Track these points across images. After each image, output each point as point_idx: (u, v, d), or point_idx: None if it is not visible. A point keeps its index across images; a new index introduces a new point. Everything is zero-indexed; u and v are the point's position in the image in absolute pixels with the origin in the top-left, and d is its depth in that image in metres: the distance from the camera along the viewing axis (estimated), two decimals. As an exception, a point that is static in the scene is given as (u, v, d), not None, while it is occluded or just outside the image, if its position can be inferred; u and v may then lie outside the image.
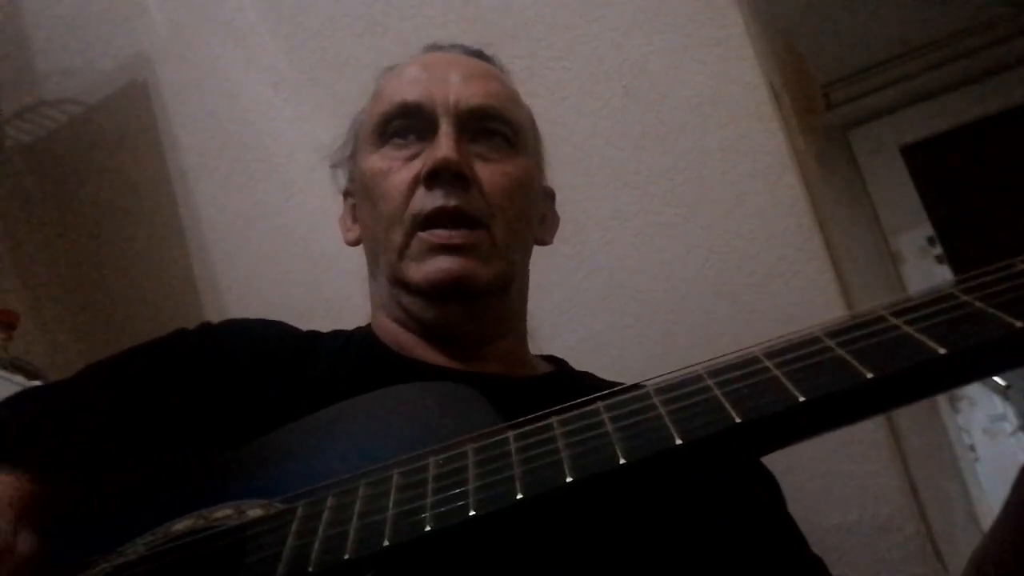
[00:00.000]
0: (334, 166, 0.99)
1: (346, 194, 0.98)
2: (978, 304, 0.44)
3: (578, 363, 0.95)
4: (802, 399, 0.44)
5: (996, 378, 2.38)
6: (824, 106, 2.48)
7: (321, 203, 1.41)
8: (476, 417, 0.59)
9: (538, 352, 0.96)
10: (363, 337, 0.89)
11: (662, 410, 0.47)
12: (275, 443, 0.67)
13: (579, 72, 1.40)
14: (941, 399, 2.37)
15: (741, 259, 1.25)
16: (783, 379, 0.45)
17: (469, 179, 0.83)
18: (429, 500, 0.49)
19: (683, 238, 1.29)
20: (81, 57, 1.79)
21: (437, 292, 0.82)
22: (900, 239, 2.59)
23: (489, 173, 0.85)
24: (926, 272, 2.48)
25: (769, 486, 0.84)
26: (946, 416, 2.43)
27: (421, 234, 0.82)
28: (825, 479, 1.14)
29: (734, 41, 1.31)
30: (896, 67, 2.60)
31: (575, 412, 0.51)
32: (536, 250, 0.95)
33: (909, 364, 0.43)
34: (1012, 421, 2.45)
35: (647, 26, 1.37)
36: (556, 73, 1.41)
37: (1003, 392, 2.45)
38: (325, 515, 0.53)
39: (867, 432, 1.13)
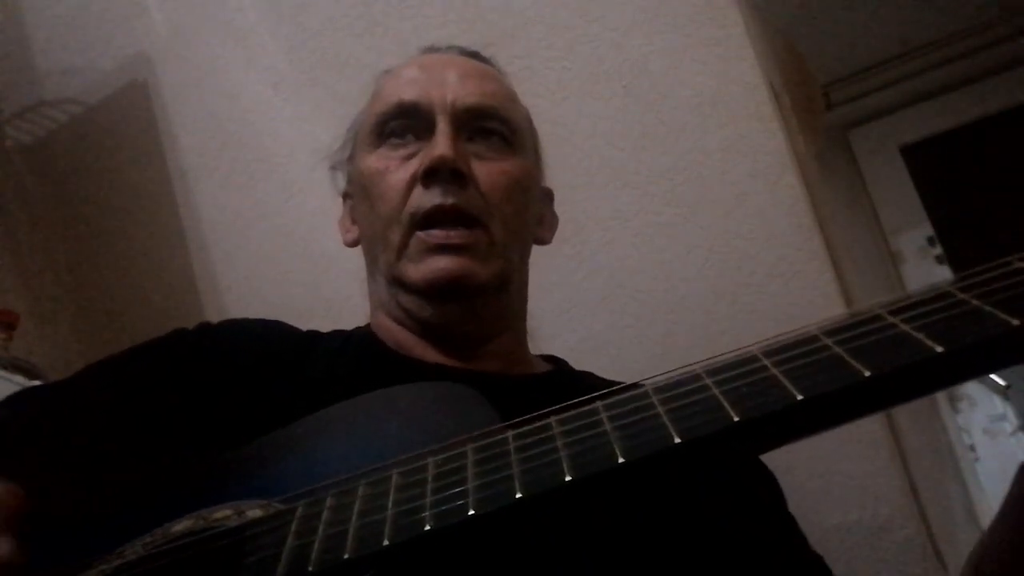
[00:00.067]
0: (333, 168, 0.99)
1: (345, 196, 0.98)
2: (975, 302, 0.44)
3: (578, 363, 0.95)
4: (800, 397, 0.44)
5: (996, 378, 2.38)
6: (824, 106, 2.48)
7: (321, 203, 1.41)
8: (475, 416, 0.59)
9: (538, 352, 0.96)
10: (362, 337, 0.89)
11: (661, 409, 0.47)
12: (274, 443, 0.67)
13: (579, 72, 1.40)
14: (941, 399, 2.38)
15: (741, 259, 1.25)
16: (781, 377, 0.45)
17: (466, 177, 0.83)
18: (428, 500, 0.49)
19: (683, 238, 1.29)
20: (81, 57, 1.79)
21: (435, 291, 0.82)
22: (900, 239, 2.59)
23: (487, 172, 0.85)
24: (926, 272, 2.49)
25: (769, 485, 0.84)
26: (946, 416, 2.43)
27: (419, 234, 0.83)
28: (825, 479, 1.14)
29: (734, 41, 1.31)
30: (896, 67, 2.60)
31: (574, 411, 0.51)
32: (536, 250, 0.95)
33: (907, 362, 0.43)
34: (1012, 421, 2.45)
35: (647, 26, 1.37)
36: (556, 73, 1.41)
37: (1003, 392, 2.45)
38: (324, 515, 0.52)
39: (867, 432, 1.13)
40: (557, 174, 1.02)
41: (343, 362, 0.84)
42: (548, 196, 1.00)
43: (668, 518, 0.70)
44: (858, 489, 1.13)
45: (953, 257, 2.47)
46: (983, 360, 0.43)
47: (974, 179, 2.52)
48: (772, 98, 1.31)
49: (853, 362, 0.44)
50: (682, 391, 0.48)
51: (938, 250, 2.54)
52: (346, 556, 0.48)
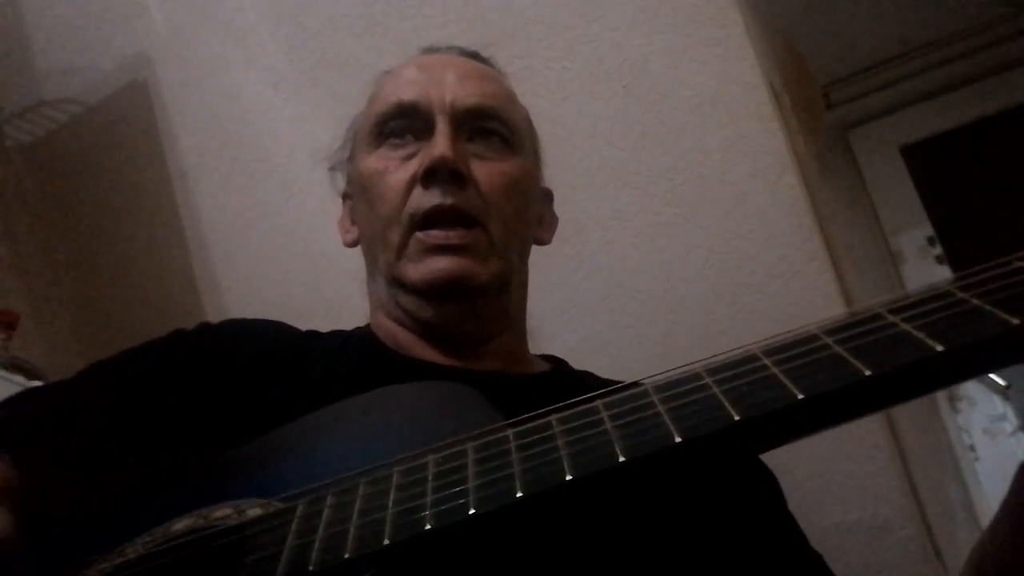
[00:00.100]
0: (332, 168, 0.99)
1: (345, 196, 0.98)
2: (975, 301, 0.44)
3: (578, 363, 0.95)
4: (801, 396, 0.44)
5: (996, 378, 2.39)
6: (824, 106, 2.48)
7: (321, 203, 1.41)
8: (475, 415, 0.59)
9: (538, 352, 0.96)
10: (362, 337, 0.89)
11: (661, 408, 0.47)
12: (274, 442, 0.67)
13: (579, 72, 1.40)
14: (941, 399, 2.38)
15: (741, 259, 1.25)
16: (782, 377, 0.45)
17: (466, 177, 0.83)
18: (429, 498, 0.49)
19: (683, 238, 1.29)
20: (81, 57, 1.79)
21: (435, 292, 0.82)
22: (900, 239, 2.60)
23: (486, 172, 0.85)
24: (926, 272, 2.49)
25: (769, 484, 0.84)
26: (946, 416, 2.43)
27: (418, 234, 0.83)
28: (825, 478, 1.14)
29: (734, 41, 1.31)
30: (896, 67, 2.60)
31: (574, 410, 0.51)
32: (536, 250, 0.95)
33: (907, 361, 0.43)
34: (1012, 421, 2.45)
35: (647, 26, 1.37)
36: (556, 73, 1.41)
37: (1003, 392, 2.45)
38: (325, 514, 0.53)
39: (867, 432, 1.13)
40: (557, 174, 1.02)
41: (343, 362, 0.85)
42: (548, 196, 1.00)
43: (668, 517, 0.70)
44: (858, 489, 1.13)
45: (953, 257, 2.48)
46: (983, 359, 0.43)
47: (974, 179, 2.52)
48: (772, 98, 1.30)
49: (854, 361, 0.44)
50: (683, 390, 0.48)
51: (938, 250, 2.54)
52: (347, 555, 0.48)
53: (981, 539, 0.60)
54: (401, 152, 0.86)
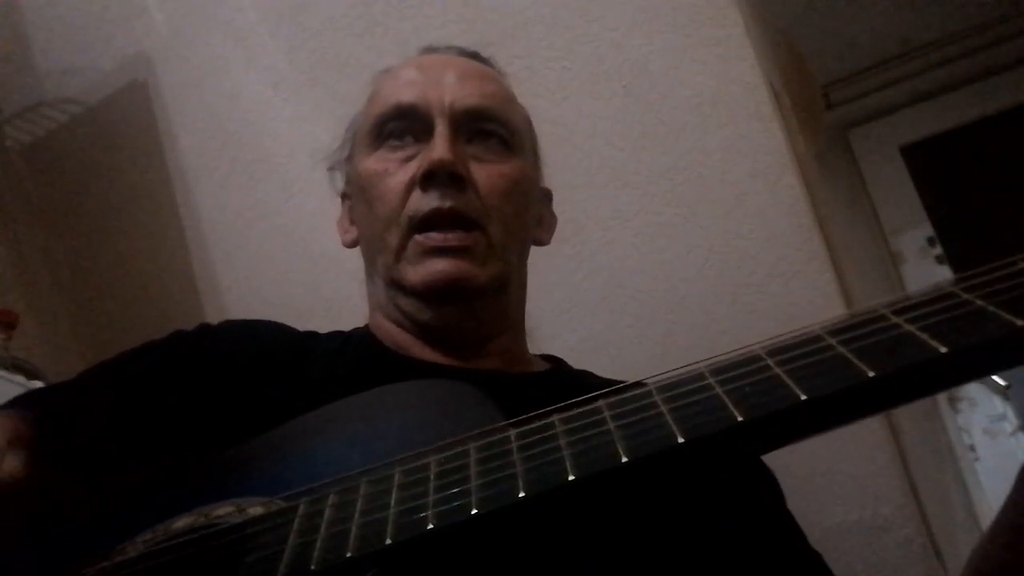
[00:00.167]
0: (331, 168, 0.99)
1: (344, 196, 0.98)
2: (979, 303, 0.44)
3: (578, 363, 0.95)
4: (804, 397, 0.44)
5: (996, 378, 2.39)
6: (824, 106, 2.48)
7: (321, 203, 1.41)
8: (476, 413, 0.59)
9: (538, 352, 0.96)
10: (361, 337, 0.89)
11: (664, 408, 0.47)
12: (275, 441, 0.67)
13: (579, 72, 1.40)
14: (941, 399, 2.38)
15: (741, 259, 1.25)
16: (785, 377, 0.45)
17: (465, 180, 0.83)
18: (431, 498, 0.49)
19: (683, 238, 1.29)
20: (81, 57, 1.79)
21: (433, 294, 0.82)
22: (900, 239, 2.60)
23: (485, 174, 0.85)
24: (926, 272, 2.49)
25: (769, 484, 0.84)
26: (946, 416, 2.43)
27: (417, 236, 0.82)
28: (825, 478, 1.14)
29: (734, 41, 1.31)
30: (896, 67, 2.60)
31: (577, 410, 0.51)
32: (536, 250, 0.95)
33: (911, 363, 0.43)
34: (1012, 421, 2.45)
35: (647, 26, 1.37)
36: (556, 73, 1.41)
37: (1003, 392, 2.45)
38: (327, 513, 0.52)
39: (867, 432, 1.13)
40: (557, 174, 1.02)
41: (342, 362, 0.84)
42: (547, 197, 1.00)
43: (670, 517, 0.70)
44: (858, 489, 1.13)
45: (953, 257, 2.48)
46: (987, 361, 0.43)
47: (974, 179, 2.52)
48: (772, 98, 1.30)
49: (857, 362, 0.44)
50: (686, 390, 0.48)
51: (938, 250, 2.54)
52: (348, 555, 0.48)
53: (981, 540, 0.60)
54: (400, 154, 0.86)
